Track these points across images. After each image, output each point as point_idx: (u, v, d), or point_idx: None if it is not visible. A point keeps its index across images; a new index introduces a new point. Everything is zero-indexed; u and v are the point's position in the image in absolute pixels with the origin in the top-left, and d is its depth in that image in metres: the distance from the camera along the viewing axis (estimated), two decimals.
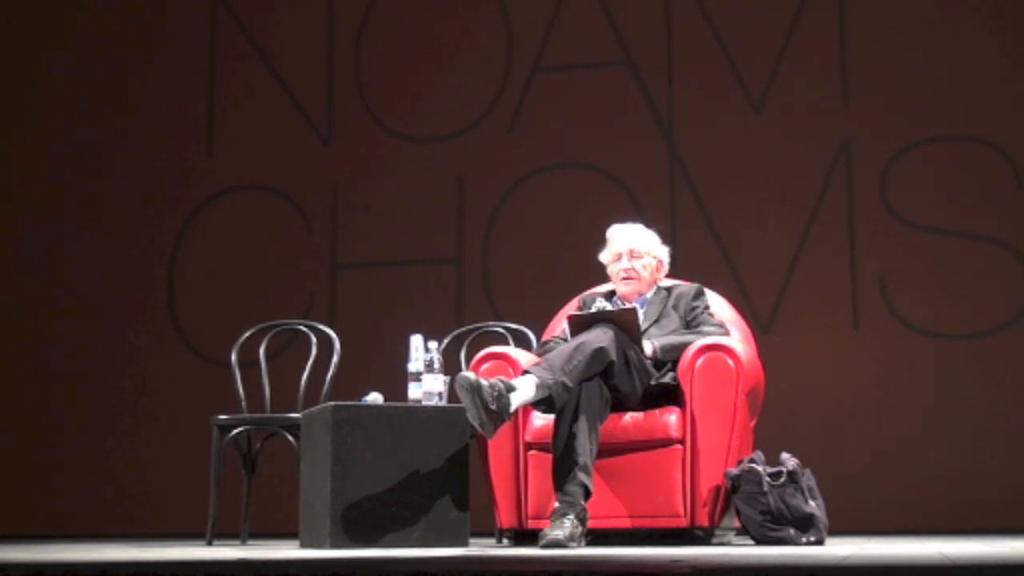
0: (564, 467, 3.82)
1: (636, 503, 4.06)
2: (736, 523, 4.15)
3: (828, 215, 6.37)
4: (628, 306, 4.24)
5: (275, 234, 7.11)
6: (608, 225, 4.55)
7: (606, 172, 6.68)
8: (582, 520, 3.75)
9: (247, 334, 5.07)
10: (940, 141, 6.30)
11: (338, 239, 7.03)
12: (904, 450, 6.05)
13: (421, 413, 4.01)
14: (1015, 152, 6.20)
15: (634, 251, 4.41)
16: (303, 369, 4.97)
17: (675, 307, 4.38)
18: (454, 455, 3.99)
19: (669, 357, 4.16)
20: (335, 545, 3.83)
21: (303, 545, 4.17)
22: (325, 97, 7.18)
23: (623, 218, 4.60)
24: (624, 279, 4.41)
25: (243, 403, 4.91)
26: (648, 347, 4.13)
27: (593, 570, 2.62)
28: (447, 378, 4.08)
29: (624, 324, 4.03)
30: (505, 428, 3.88)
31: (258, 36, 7.30)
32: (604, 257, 4.51)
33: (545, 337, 4.63)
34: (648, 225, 4.54)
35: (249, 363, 4.97)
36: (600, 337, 3.92)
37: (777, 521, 3.92)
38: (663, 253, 4.49)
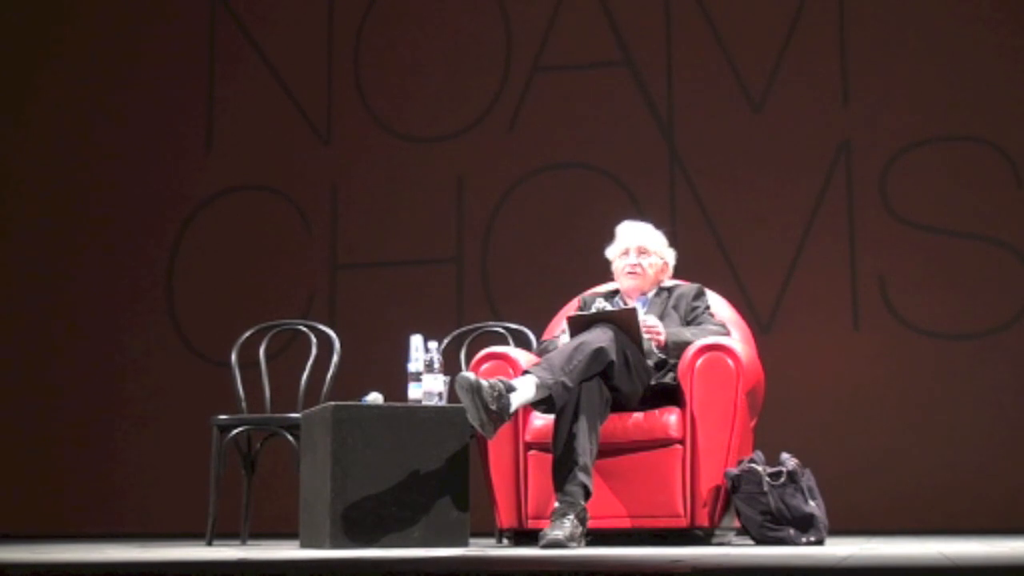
0: (564, 467, 3.82)
1: (636, 503, 4.06)
2: (736, 523, 4.15)
3: (828, 215, 6.37)
4: (628, 306, 4.24)
5: (275, 234, 7.11)
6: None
7: (606, 172, 6.68)
8: (582, 520, 3.75)
9: (247, 334, 5.07)
10: (940, 141, 6.30)
11: (338, 239, 7.03)
12: (904, 450, 6.05)
13: (421, 413, 4.01)
14: (1015, 152, 6.20)
15: (643, 248, 4.44)
16: (303, 369, 4.97)
17: (675, 307, 4.38)
18: (454, 455, 3.99)
19: (674, 353, 4.16)
20: (335, 545, 3.83)
21: (303, 545, 4.17)
22: (325, 97, 7.18)
23: (623, 218, 4.61)
24: (629, 274, 4.43)
25: (243, 403, 4.91)
26: (660, 327, 4.11)
27: (593, 570, 2.62)
28: (447, 378, 4.08)
29: (624, 324, 4.03)
30: (505, 428, 3.88)
31: (258, 36, 7.30)
32: (611, 252, 4.51)
33: (545, 337, 4.63)
34: (656, 226, 4.55)
35: (249, 363, 4.97)
36: (600, 337, 3.92)
37: (777, 521, 3.92)
38: (669, 256, 4.52)
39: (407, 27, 7.13)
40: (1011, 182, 6.20)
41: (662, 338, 4.13)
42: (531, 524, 4.13)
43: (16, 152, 7.51)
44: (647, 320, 4.14)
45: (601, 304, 4.35)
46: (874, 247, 6.30)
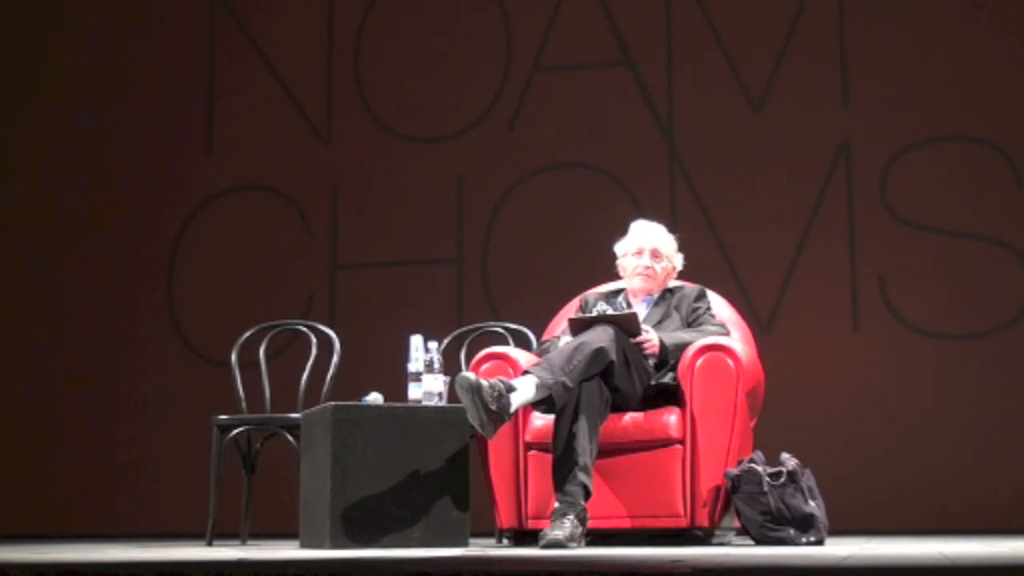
0: (564, 467, 3.82)
1: (636, 503, 4.06)
2: (736, 523, 4.15)
3: (828, 215, 6.37)
4: (628, 311, 4.24)
5: (275, 234, 7.11)
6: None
7: (606, 172, 6.68)
8: (582, 520, 3.75)
9: (247, 334, 5.07)
10: (940, 141, 6.30)
11: (338, 239, 7.03)
12: (904, 450, 6.05)
13: (421, 413, 4.02)
14: (1015, 152, 6.20)
15: (657, 251, 4.44)
16: (303, 369, 4.97)
17: (677, 308, 4.39)
18: (454, 455, 3.99)
19: (675, 355, 4.15)
20: (335, 545, 3.83)
21: (303, 545, 4.17)
22: (325, 97, 7.18)
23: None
24: (640, 275, 4.42)
25: (243, 403, 4.91)
26: (653, 337, 4.12)
27: (593, 570, 2.62)
28: (447, 378, 4.08)
29: (625, 328, 4.03)
30: (505, 428, 3.88)
31: (258, 36, 7.30)
32: (621, 247, 4.50)
33: (545, 337, 4.63)
34: (669, 229, 4.56)
35: (249, 363, 4.97)
36: (600, 337, 3.92)
37: (777, 521, 3.92)
38: (678, 261, 4.52)
39: (407, 27, 7.13)
40: (1011, 182, 6.20)
41: (656, 348, 4.12)
42: (531, 524, 4.13)
43: (16, 152, 7.50)
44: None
45: (603, 305, 4.35)
46: (874, 247, 6.30)
